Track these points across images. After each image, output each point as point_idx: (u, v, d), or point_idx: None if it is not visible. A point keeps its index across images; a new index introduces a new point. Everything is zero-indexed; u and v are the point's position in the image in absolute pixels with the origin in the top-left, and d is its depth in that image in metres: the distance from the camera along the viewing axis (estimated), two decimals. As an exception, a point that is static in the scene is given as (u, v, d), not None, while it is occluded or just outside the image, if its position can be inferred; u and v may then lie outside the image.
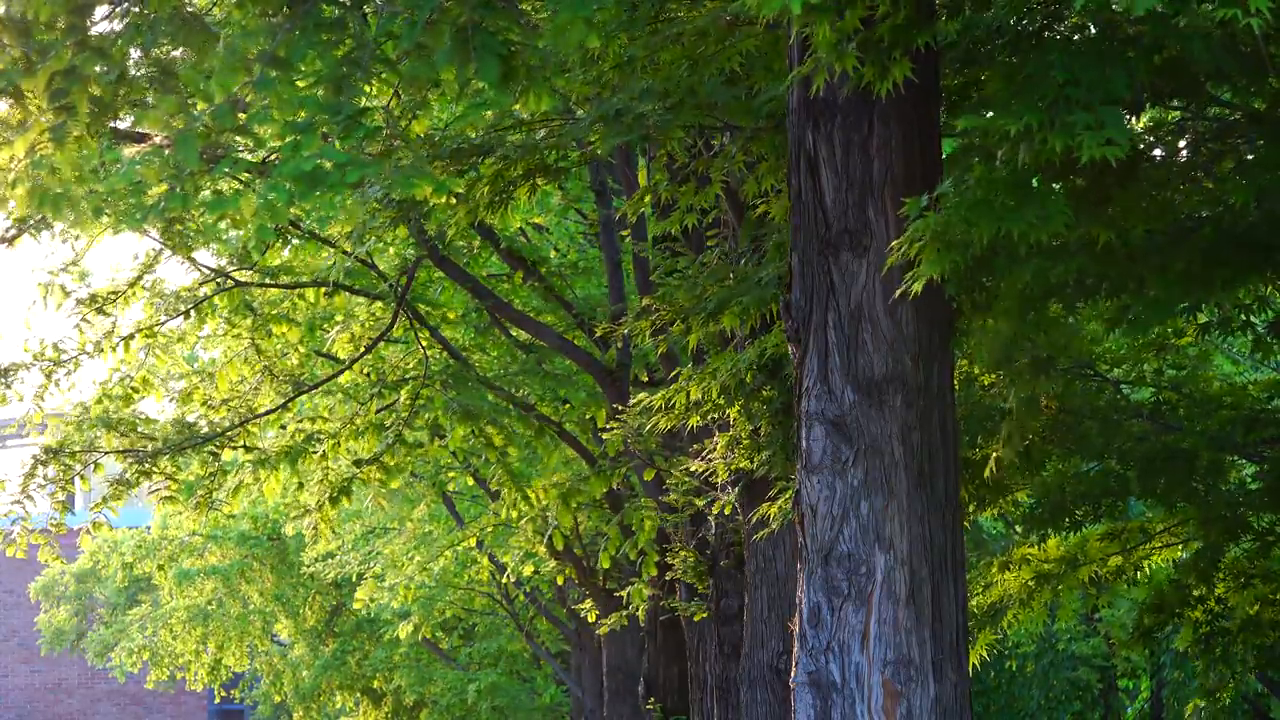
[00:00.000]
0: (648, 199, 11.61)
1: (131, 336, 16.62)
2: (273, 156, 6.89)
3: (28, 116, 7.06)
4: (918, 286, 7.91)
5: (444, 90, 7.48)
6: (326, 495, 16.58)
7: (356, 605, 26.48)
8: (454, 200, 9.68)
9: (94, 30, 7.08)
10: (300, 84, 6.78)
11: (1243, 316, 10.53)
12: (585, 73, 9.43)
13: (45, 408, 16.56)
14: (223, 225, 14.42)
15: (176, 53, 7.29)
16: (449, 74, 6.74)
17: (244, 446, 16.84)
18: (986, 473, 11.71)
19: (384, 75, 7.03)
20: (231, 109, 6.69)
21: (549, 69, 7.00)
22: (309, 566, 29.81)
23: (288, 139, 6.59)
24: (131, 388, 16.69)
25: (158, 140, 6.76)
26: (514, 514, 17.92)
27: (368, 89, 7.64)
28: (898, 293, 8.20)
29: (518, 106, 7.78)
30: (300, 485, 17.05)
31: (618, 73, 9.41)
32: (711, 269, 11.33)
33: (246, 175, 11.34)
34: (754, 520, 11.06)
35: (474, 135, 9.98)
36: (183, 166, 6.65)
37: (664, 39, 9.25)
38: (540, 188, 10.22)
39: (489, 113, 10.00)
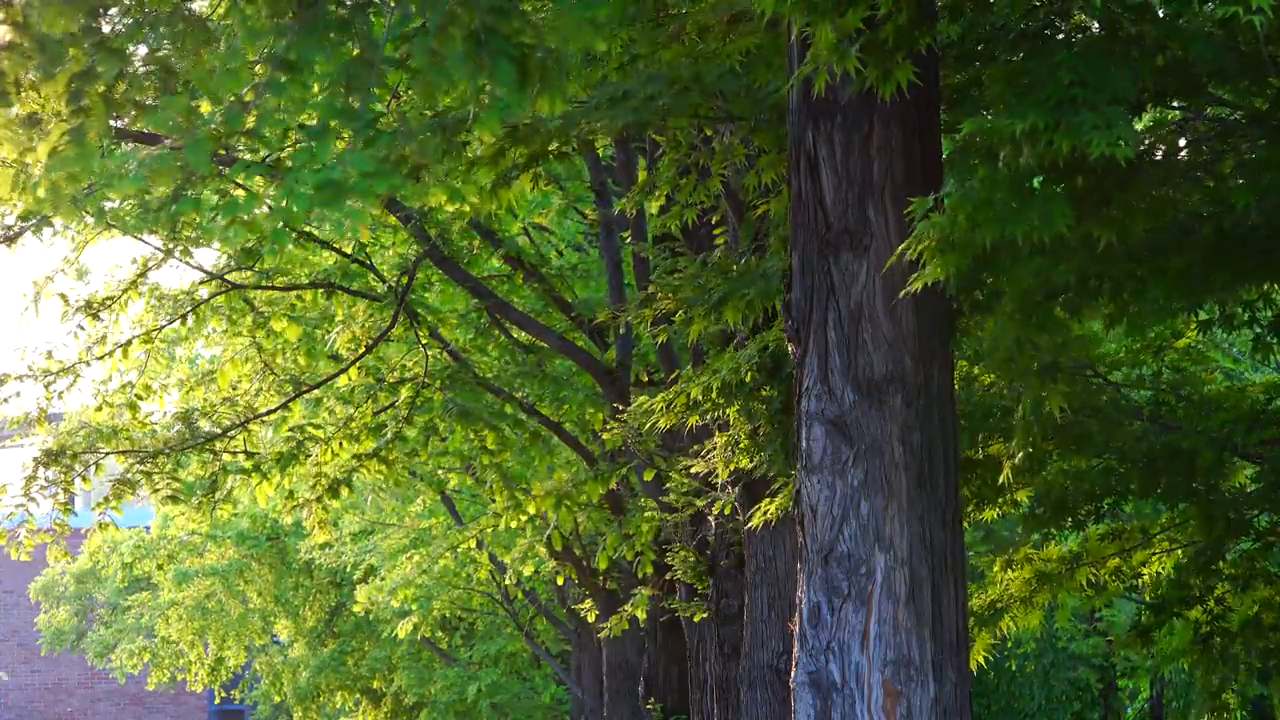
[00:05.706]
0: (648, 194, 11.59)
1: (130, 342, 16.59)
2: (280, 156, 6.84)
3: (42, 117, 7.02)
4: (918, 285, 7.90)
5: (457, 94, 7.43)
6: (324, 489, 16.56)
7: (357, 609, 26.45)
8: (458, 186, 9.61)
9: (101, 30, 7.06)
10: (311, 87, 6.74)
11: (1245, 314, 10.50)
12: (590, 73, 9.41)
13: (45, 413, 16.54)
14: (233, 230, 14.37)
15: (176, 53, 7.25)
16: (462, 81, 6.69)
17: (245, 452, 16.81)
18: (1002, 479, 11.68)
19: (391, 78, 6.99)
20: (242, 111, 6.65)
21: (561, 70, 6.97)
22: (304, 554, 29.81)
23: (300, 145, 6.55)
24: (136, 395, 16.66)
25: (167, 144, 6.73)
26: (513, 523, 17.90)
27: (377, 93, 7.60)
28: (903, 294, 8.19)
29: (532, 110, 7.74)
30: (291, 494, 17.01)
31: (620, 73, 9.40)
32: (715, 262, 11.31)
33: (259, 180, 11.36)
34: (751, 512, 11.04)
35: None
36: (193, 170, 6.61)
37: (666, 36, 9.24)
38: (541, 180, 10.16)
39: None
